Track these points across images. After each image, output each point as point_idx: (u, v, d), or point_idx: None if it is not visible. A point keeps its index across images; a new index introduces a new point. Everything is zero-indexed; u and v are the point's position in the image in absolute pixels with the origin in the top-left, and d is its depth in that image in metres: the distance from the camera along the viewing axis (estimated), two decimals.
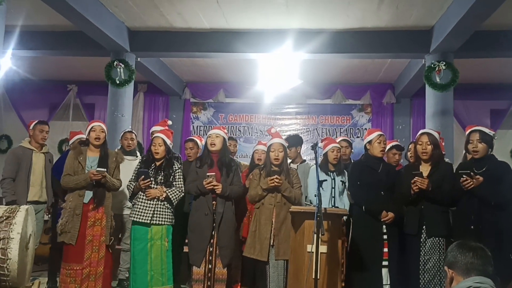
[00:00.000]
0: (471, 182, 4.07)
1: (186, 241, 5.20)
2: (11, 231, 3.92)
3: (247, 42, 7.20)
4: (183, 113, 10.27)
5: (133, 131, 5.84)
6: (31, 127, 5.44)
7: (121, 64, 7.18)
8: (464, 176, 4.10)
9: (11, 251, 3.86)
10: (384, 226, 4.39)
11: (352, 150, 5.74)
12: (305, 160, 5.58)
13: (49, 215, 5.79)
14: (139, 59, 7.59)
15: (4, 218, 3.96)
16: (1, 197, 5.23)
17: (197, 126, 10.23)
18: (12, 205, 4.41)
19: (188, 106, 10.29)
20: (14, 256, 3.85)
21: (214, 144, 4.67)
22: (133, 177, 4.74)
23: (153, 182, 4.63)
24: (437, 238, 4.21)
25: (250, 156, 5.41)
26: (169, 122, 5.24)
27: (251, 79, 9.30)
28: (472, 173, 4.09)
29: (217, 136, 4.70)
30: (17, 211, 4.07)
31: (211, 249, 4.52)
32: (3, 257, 3.81)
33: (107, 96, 7.46)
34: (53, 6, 5.76)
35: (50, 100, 10.30)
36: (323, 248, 3.79)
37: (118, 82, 7.19)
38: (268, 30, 7.10)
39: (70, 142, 5.85)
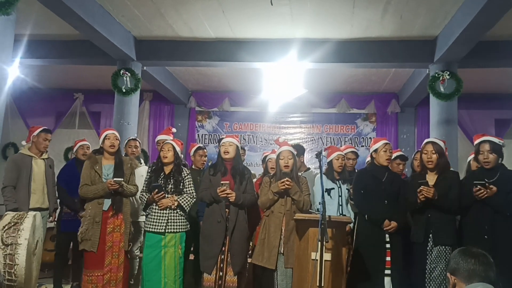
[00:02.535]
0: (485, 192, 4.08)
1: (192, 249, 5.24)
2: (19, 237, 3.98)
3: (252, 52, 7.26)
4: (188, 122, 10.33)
5: (137, 138, 5.90)
6: (34, 134, 5.39)
7: (127, 72, 7.24)
8: (478, 185, 4.10)
9: (18, 257, 3.91)
10: (387, 235, 4.39)
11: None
12: (309, 168, 5.62)
13: (53, 222, 5.82)
14: (145, 68, 7.66)
15: (12, 224, 4.03)
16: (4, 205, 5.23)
17: (202, 135, 10.28)
18: (20, 212, 4.47)
19: (193, 114, 10.34)
20: (22, 262, 3.91)
21: (228, 152, 4.71)
22: (144, 188, 4.79)
23: (164, 191, 4.68)
24: (443, 247, 4.21)
25: (256, 165, 5.45)
26: (174, 130, 5.31)
27: (256, 88, 9.35)
28: (486, 184, 4.09)
29: (230, 145, 4.75)
30: (25, 218, 4.13)
31: (222, 256, 4.54)
32: (10, 263, 3.86)
33: (113, 104, 7.52)
34: (61, 16, 5.83)
35: (57, 108, 10.39)
36: (327, 256, 3.80)
37: (124, 90, 7.26)
38: (273, 39, 7.16)
39: (74, 150, 5.93)
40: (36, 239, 4.30)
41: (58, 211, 5.74)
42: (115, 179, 4.60)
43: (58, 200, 5.69)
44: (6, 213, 4.37)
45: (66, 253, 5.74)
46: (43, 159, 5.46)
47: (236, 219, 4.58)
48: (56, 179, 5.65)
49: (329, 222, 3.78)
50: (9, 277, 3.84)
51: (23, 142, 5.57)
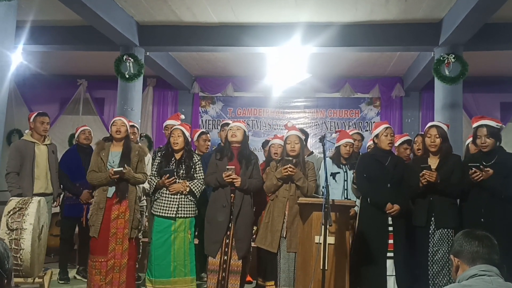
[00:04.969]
0: (480, 175, 4.08)
1: (196, 233, 5.27)
2: (24, 222, 4.01)
3: (256, 36, 7.20)
4: (192, 107, 10.31)
5: (135, 124, 5.89)
6: (31, 120, 5.45)
7: (130, 58, 7.21)
8: (473, 168, 4.10)
9: (24, 242, 3.95)
10: (390, 218, 4.40)
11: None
12: (312, 152, 5.62)
13: (57, 206, 5.86)
14: (148, 53, 7.63)
15: (17, 209, 4.06)
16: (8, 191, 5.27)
17: (206, 120, 10.27)
18: (25, 197, 4.50)
19: (197, 100, 10.32)
20: (27, 247, 3.94)
21: (236, 136, 4.72)
22: (154, 172, 4.80)
23: (175, 177, 4.69)
24: (445, 230, 4.23)
25: (259, 150, 5.48)
26: (182, 116, 5.31)
27: (260, 73, 9.31)
28: (481, 166, 4.09)
29: (238, 129, 4.77)
30: (30, 203, 4.16)
31: (227, 240, 4.58)
32: (16, 247, 3.90)
33: (117, 91, 7.51)
34: (63, 1, 5.78)
35: (61, 94, 10.38)
36: (330, 239, 3.82)
37: (127, 76, 7.23)
38: (277, 23, 7.10)
39: (76, 136, 5.96)
40: (41, 224, 4.33)
41: (61, 196, 5.77)
42: (115, 169, 4.60)
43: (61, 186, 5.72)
44: (11, 198, 4.41)
45: (71, 238, 5.79)
46: (46, 144, 5.48)
47: (241, 204, 4.61)
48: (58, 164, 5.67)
49: (333, 206, 3.79)
50: (15, 262, 3.88)
51: (27, 131, 5.60)
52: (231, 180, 4.55)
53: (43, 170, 5.39)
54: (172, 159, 4.80)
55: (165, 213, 4.66)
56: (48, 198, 5.37)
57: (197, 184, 4.75)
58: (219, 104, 10.31)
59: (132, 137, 5.68)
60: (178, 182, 4.69)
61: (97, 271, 4.58)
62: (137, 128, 5.85)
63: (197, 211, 4.82)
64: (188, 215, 4.71)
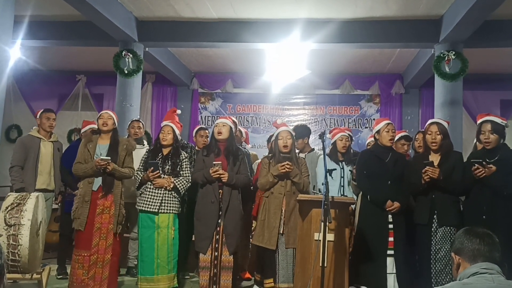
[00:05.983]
0: (483, 171, 4.05)
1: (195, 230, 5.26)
2: (22, 218, 3.99)
3: (255, 32, 7.18)
4: (191, 104, 10.29)
5: (140, 120, 5.90)
6: (38, 116, 5.49)
7: (129, 54, 7.20)
8: (476, 164, 4.08)
9: (22, 237, 3.93)
10: (390, 216, 4.38)
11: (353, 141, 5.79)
12: (313, 149, 5.61)
13: (58, 203, 5.85)
14: (147, 49, 7.61)
15: (15, 205, 4.04)
16: (11, 186, 5.27)
17: (205, 116, 10.25)
18: (22, 192, 4.48)
19: (196, 96, 10.30)
20: (25, 242, 3.92)
21: (221, 133, 4.70)
22: (141, 167, 4.79)
23: (160, 172, 4.67)
24: (448, 228, 4.20)
25: (259, 146, 5.46)
26: (178, 112, 5.29)
27: (259, 70, 9.28)
28: (484, 162, 4.06)
29: (223, 125, 4.74)
30: (28, 198, 4.14)
31: (217, 236, 4.55)
32: (14, 243, 3.88)
33: (116, 86, 7.49)
34: None
35: (59, 90, 10.35)
36: (330, 236, 3.80)
37: (126, 72, 7.22)
38: (276, 20, 7.08)
39: (82, 130, 5.94)
40: (39, 220, 4.31)
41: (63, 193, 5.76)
42: (101, 157, 4.58)
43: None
44: (8, 194, 4.39)
45: (70, 234, 5.77)
46: (52, 141, 5.50)
47: (229, 199, 4.59)
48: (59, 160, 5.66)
49: (332, 203, 3.77)
50: (13, 257, 3.87)
51: (34, 127, 5.60)
52: (218, 175, 4.53)
53: (46, 166, 5.39)
54: (159, 154, 4.78)
55: (148, 207, 4.62)
56: (50, 194, 5.38)
57: (182, 181, 4.71)
58: (218, 101, 10.29)
59: (138, 131, 5.70)
60: (163, 177, 4.67)
61: (80, 265, 4.51)
62: (142, 124, 5.84)
63: (180, 209, 4.77)
64: (171, 211, 4.66)
